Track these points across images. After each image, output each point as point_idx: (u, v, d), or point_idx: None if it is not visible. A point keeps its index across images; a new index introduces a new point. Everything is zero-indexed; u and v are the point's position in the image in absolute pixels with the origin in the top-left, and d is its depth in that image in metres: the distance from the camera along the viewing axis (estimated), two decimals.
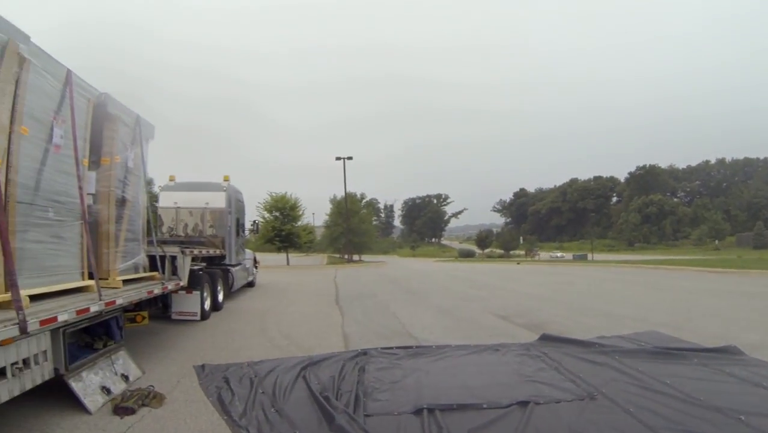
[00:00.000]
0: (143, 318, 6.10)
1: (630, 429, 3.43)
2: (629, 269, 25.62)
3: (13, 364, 3.21)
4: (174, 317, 8.00)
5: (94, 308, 4.29)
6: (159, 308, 7.73)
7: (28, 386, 3.38)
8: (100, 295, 4.57)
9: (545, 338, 6.45)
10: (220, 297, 10.05)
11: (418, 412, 3.80)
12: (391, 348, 6.14)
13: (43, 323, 3.49)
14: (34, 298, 3.98)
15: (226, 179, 11.83)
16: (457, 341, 6.70)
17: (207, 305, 8.80)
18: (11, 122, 3.90)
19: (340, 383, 4.65)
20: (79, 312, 4.03)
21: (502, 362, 5.45)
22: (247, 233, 14.32)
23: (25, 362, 3.36)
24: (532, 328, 7.79)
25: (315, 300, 12.37)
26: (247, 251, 14.75)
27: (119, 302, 4.88)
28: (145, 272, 6.59)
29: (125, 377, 4.65)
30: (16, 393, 3.24)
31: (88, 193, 5.22)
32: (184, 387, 4.73)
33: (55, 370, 3.74)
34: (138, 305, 6.05)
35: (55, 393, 3.98)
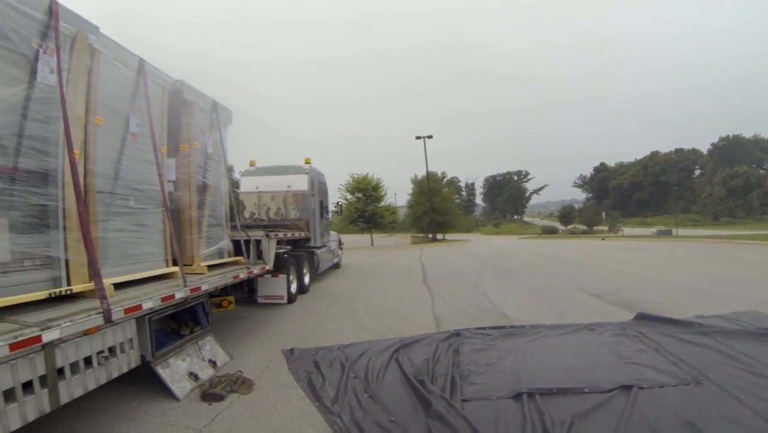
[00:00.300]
0: (230, 303, 6.12)
1: (742, 419, 3.11)
2: (719, 244, 22.77)
3: (98, 352, 3.19)
4: (260, 300, 8.12)
5: (179, 295, 4.26)
6: (245, 292, 7.86)
7: (115, 374, 3.36)
8: (185, 281, 4.56)
9: (641, 317, 5.99)
10: (306, 280, 10.09)
11: (517, 397, 3.60)
12: (485, 328, 5.90)
13: (127, 311, 3.46)
14: (118, 286, 4.02)
15: (308, 162, 11.82)
16: (550, 320, 6.41)
17: (293, 288, 8.85)
18: (86, 113, 3.90)
19: (434, 365, 4.45)
20: (164, 299, 3.99)
21: (599, 342, 5.11)
22: (330, 214, 14.36)
23: (111, 350, 3.34)
24: (625, 306, 7.31)
25: (402, 280, 12.12)
26: (332, 232, 14.86)
27: (204, 287, 4.84)
28: (229, 256, 6.65)
29: (213, 363, 4.63)
30: (103, 381, 3.22)
31: (168, 180, 5.23)
32: (273, 372, 4.65)
33: (142, 357, 3.73)
34: (224, 290, 6.08)
35: (144, 380, 4.01)
